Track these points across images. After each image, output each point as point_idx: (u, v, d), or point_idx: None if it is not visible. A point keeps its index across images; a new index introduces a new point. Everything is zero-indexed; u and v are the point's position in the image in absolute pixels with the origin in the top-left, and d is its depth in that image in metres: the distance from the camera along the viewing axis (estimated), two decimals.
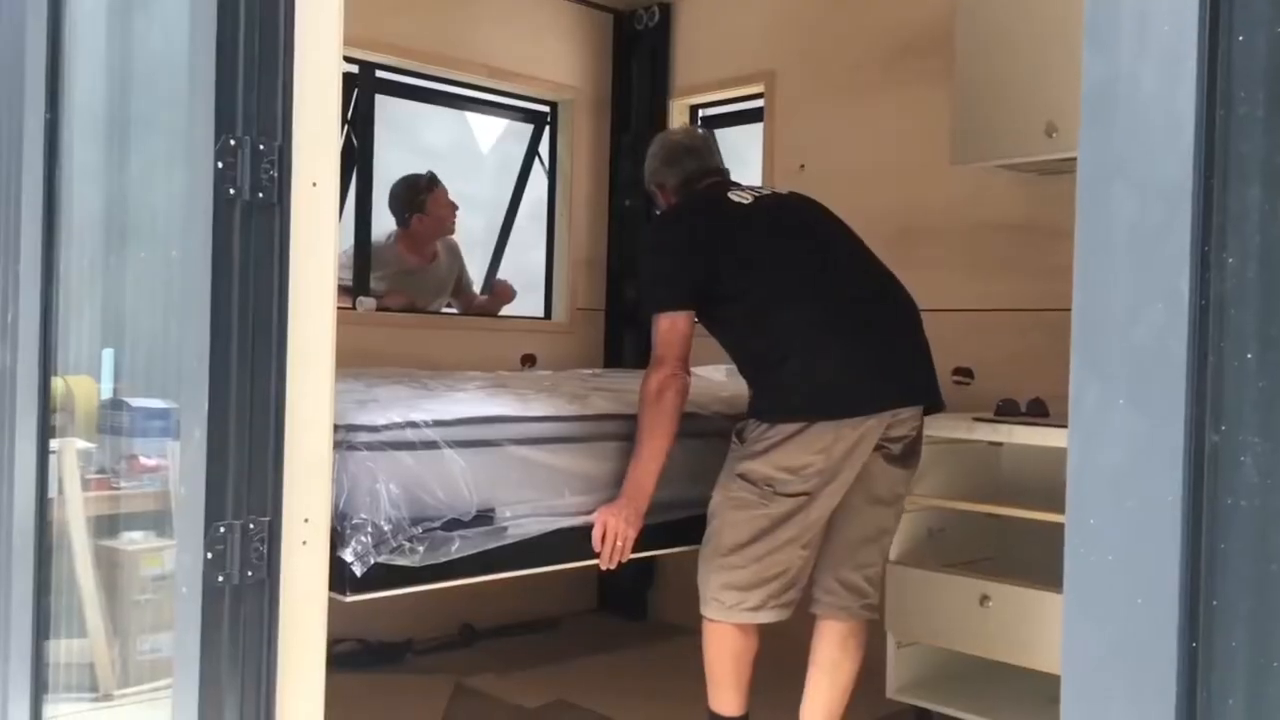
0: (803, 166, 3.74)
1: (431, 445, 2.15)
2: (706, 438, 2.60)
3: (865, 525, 2.52)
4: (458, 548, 2.09)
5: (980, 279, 3.31)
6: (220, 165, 1.73)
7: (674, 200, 2.74)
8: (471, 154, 5.60)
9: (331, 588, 1.88)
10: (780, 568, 2.41)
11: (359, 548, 1.98)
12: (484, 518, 2.18)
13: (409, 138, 5.25)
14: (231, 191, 1.73)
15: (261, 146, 1.76)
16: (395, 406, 2.20)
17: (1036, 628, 2.64)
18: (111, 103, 2.27)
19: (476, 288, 4.35)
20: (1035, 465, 2.99)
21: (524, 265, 4.66)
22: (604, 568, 2.42)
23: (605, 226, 4.39)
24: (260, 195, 1.76)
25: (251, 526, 1.76)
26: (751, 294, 2.46)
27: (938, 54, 3.39)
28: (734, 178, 2.78)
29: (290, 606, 1.80)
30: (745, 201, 2.58)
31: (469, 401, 2.34)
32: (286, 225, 1.79)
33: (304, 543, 1.83)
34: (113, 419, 2.34)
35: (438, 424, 2.17)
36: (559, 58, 4.24)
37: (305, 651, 1.83)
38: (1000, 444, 2.71)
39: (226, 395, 1.74)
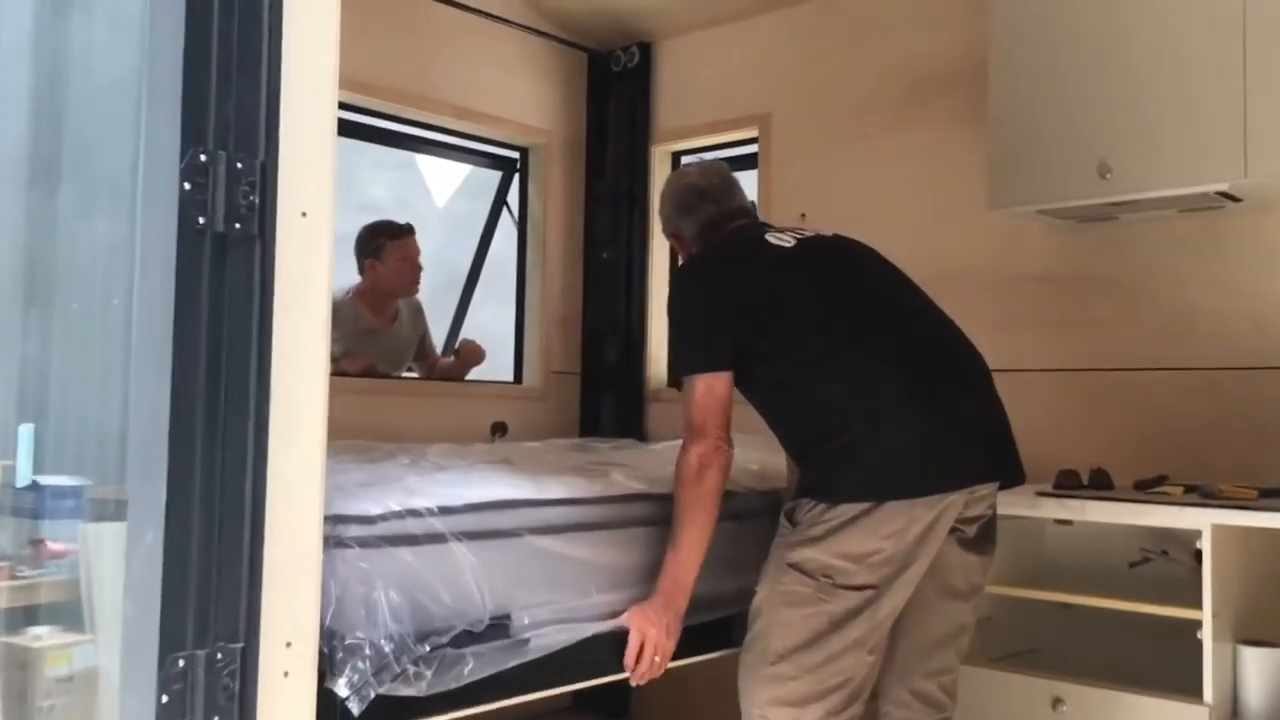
0: (804, 215, 3.42)
1: (437, 538, 1.75)
2: (742, 519, 2.24)
3: (940, 624, 2.15)
4: (472, 669, 1.67)
5: (1011, 335, 3.00)
6: (187, 187, 1.34)
7: (696, 250, 2.40)
8: (420, 211, 5.22)
9: None
10: (842, 677, 2.02)
11: (355, 677, 1.56)
12: (499, 627, 1.77)
13: (349, 193, 4.86)
14: (201, 221, 1.34)
15: (239, 165, 1.38)
16: (389, 491, 1.79)
17: None
18: (31, 121, 1.86)
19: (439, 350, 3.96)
20: (1078, 544, 2.68)
21: (475, 326, 4.27)
22: (635, 684, 2.03)
23: (580, 282, 4.03)
24: (237, 226, 1.37)
25: (219, 657, 1.35)
26: (800, 351, 2.10)
27: (957, 90, 3.12)
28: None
29: None
30: (787, 245, 2.23)
31: (474, 483, 1.95)
32: (270, 264, 1.40)
33: (286, 674, 1.41)
34: (15, 499, 1.93)
35: (444, 512, 1.77)
36: (531, 99, 3.90)
37: None
38: (1070, 522, 2.40)
39: (190, 482, 1.33)
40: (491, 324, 4.35)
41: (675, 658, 2.07)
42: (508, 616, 1.80)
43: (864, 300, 2.18)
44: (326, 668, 1.57)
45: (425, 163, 4.84)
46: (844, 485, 2.01)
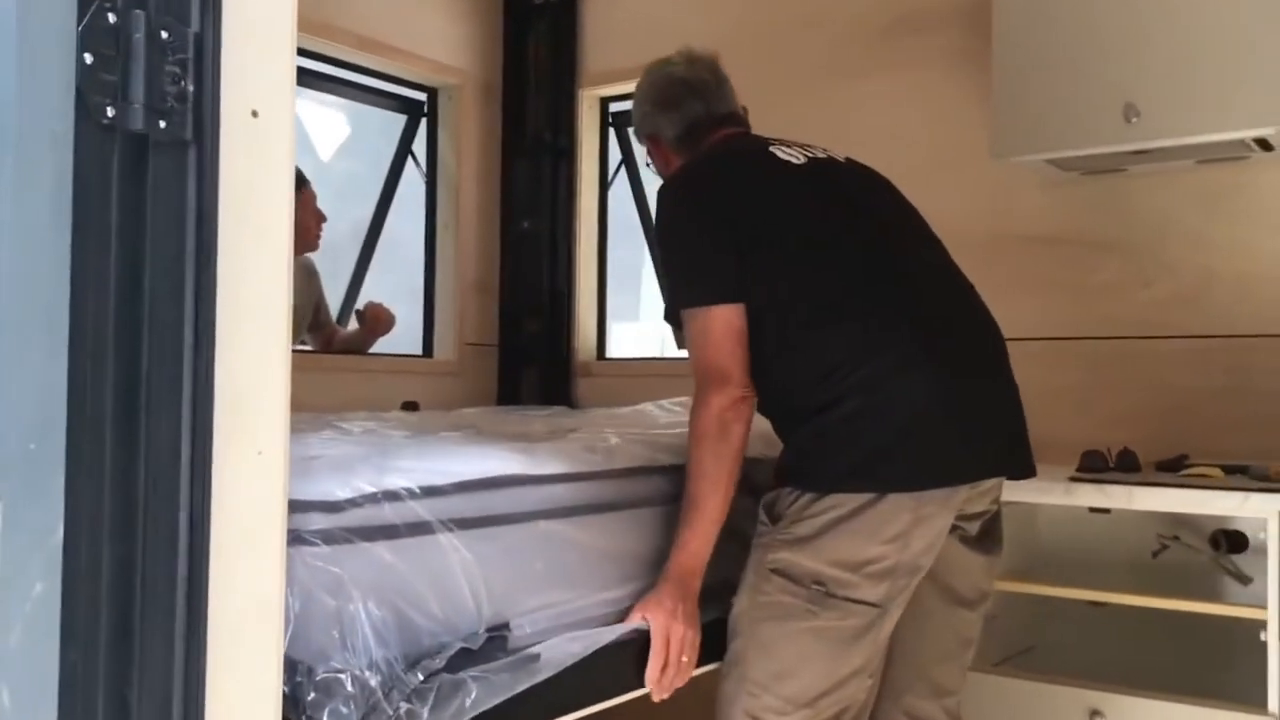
0: None
1: (421, 528, 1.32)
2: (759, 494, 1.84)
3: (944, 635, 1.81)
4: (475, 698, 1.25)
5: (1005, 300, 2.64)
6: (88, 61, 0.89)
7: (675, 158, 1.97)
8: (302, 165, 4.66)
9: None
10: (837, 707, 1.66)
11: None
12: (498, 639, 1.36)
13: None
14: (109, 113, 0.90)
15: (165, 33, 0.93)
16: (351, 465, 1.36)
17: None
18: None
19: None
20: (1071, 532, 2.42)
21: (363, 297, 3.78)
22: (658, 699, 1.62)
23: (497, 244, 3.59)
24: (162, 125, 0.92)
25: None
26: (802, 294, 1.70)
27: (944, 29, 2.81)
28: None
29: None
30: (796, 161, 1.83)
31: (455, 455, 1.52)
32: (210, 180, 0.95)
33: None
34: None
35: (428, 494, 1.34)
36: (442, 34, 3.43)
37: None
38: (1108, 510, 2.12)
39: (98, 502, 0.89)
40: (379, 296, 3.86)
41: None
42: (506, 626, 1.39)
43: (882, 243, 1.79)
44: (289, 713, 1.14)
45: (309, 113, 4.30)
46: (837, 469, 1.62)
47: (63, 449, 0.87)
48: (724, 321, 1.69)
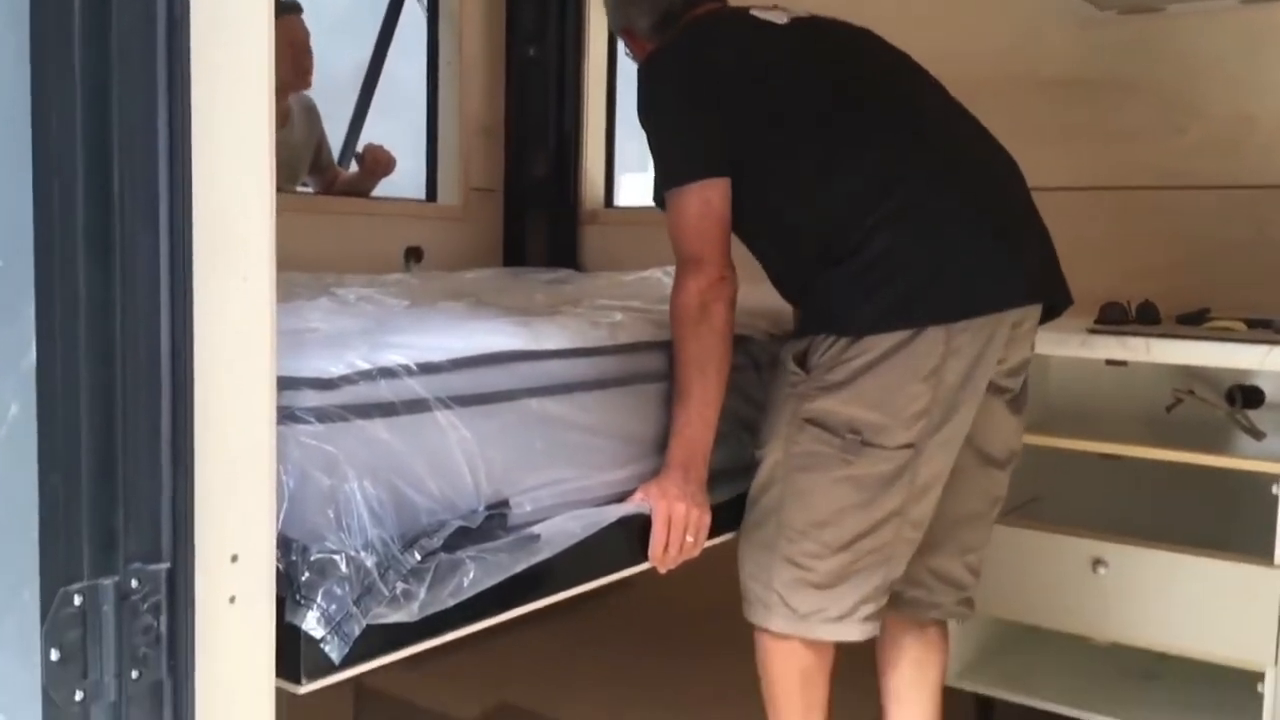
0: None
1: (418, 405, 1.28)
2: (760, 368, 1.82)
3: (975, 496, 1.79)
4: (474, 578, 1.23)
5: (1025, 147, 2.56)
6: None
7: (650, 47, 1.87)
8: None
9: (278, 672, 1.03)
10: (879, 555, 1.66)
11: (332, 608, 1.10)
12: (497, 517, 1.33)
13: None
14: None
15: None
16: (346, 341, 1.31)
17: (1155, 598, 2.04)
18: None
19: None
20: (1083, 386, 2.38)
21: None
22: (663, 571, 1.63)
23: (503, 84, 3.47)
24: None
25: (135, 585, 0.89)
26: (806, 146, 1.66)
27: None
28: None
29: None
30: (779, 22, 1.76)
31: (453, 329, 1.46)
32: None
33: (232, 600, 0.97)
34: None
35: (425, 370, 1.30)
36: None
37: None
38: (1124, 363, 2.07)
39: (72, 330, 0.84)
40: (381, 141, 3.75)
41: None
42: (505, 504, 1.36)
43: (888, 85, 1.75)
44: (285, 593, 1.12)
45: None
46: (873, 310, 1.58)
47: (31, 268, 0.81)
48: (701, 201, 1.64)
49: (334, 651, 1.11)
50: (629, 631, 2.93)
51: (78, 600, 0.85)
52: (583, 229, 3.43)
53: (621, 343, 1.63)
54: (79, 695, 0.86)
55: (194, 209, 0.89)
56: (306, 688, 1.13)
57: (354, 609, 1.11)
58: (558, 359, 1.49)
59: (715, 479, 1.67)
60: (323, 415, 1.18)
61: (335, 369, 1.23)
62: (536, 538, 1.33)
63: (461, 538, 1.26)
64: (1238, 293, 2.33)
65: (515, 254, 3.45)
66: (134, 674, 0.89)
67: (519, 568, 1.30)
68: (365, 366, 1.25)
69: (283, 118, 3.06)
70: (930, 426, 1.62)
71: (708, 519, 1.63)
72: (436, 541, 1.22)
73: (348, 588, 1.12)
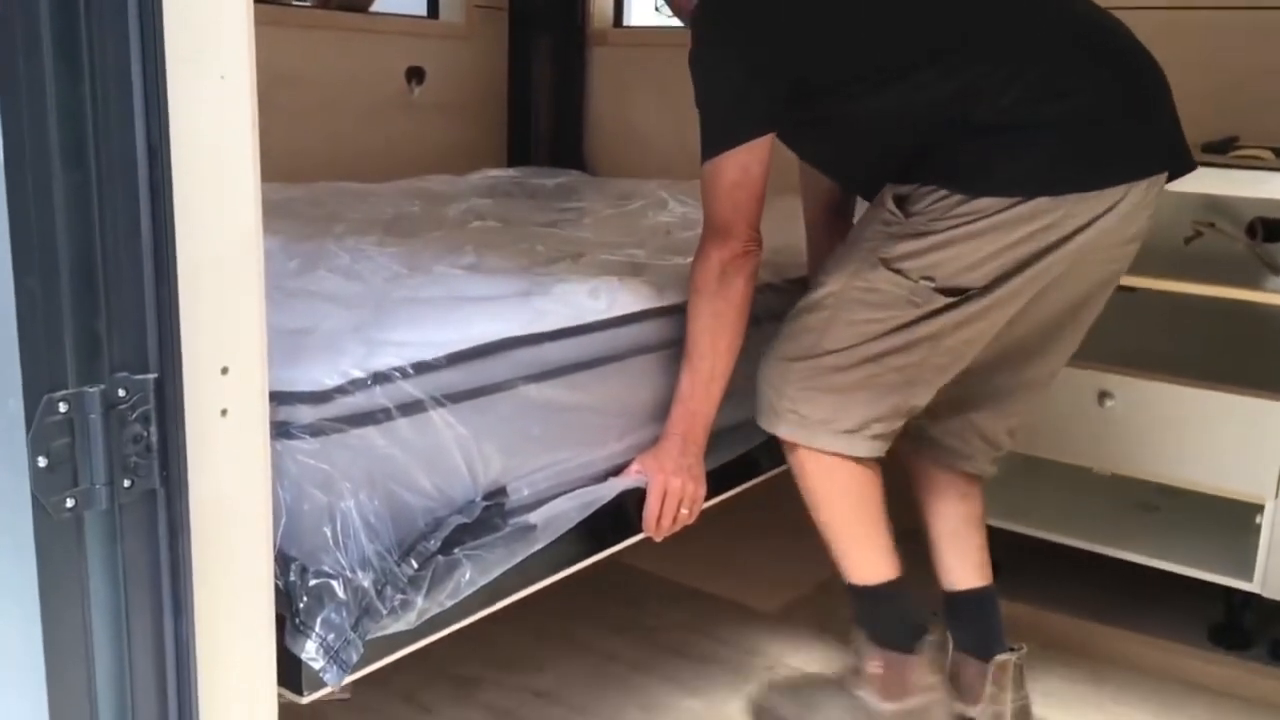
0: None
1: (413, 408, 1.26)
2: (761, 323, 1.72)
3: (1051, 358, 1.75)
4: (471, 576, 1.24)
5: None
6: None
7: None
8: None
9: (280, 681, 1.03)
10: (903, 375, 1.61)
11: (330, 637, 1.10)
12: (495, 507, 1.32)
13: None
14: None
15: None
16: (339, 340, 1.28)
17: (1160, 430, 2.03)
18: None
19: None
20: None
21: None
22: (658, 540, 1.63)
23: None
24: None
25: (122, 394, 0.87)
26: (908, 46, 1.57)
27: None
28: None
29: (208, 536, 0.94)
30: None
31: (453, 317, 1.43)
32: None
33: (224, 413, 0.95)
34: None
35: (420, 370, 1.27)
36: None
37: (238, 613, 0.99)
38: None
39: (40, 118, 0.80)
40: None
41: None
42: (503, 491, 1.35)
43: None
44: (285, 612, 1.12)
45: None
46: (1002, 174, 1.51)
47: None
48: (739, 169, 1.56)
49: (332, 679, 1.12)
50: None
51: (63, 407, 0.83)
52: (591, 50, 3.31)
53: (619, 314, 1.58)
54: (70, 503, 0.85)
55: (164, 7, 0.83)
56: (308, 698, 1.16)
57: (352, 635, 1.12)
58: (556, 340, 1.46)
59: (713, 444, 1.65)
60: (317, 430, 1.17)
61: (330, 379, 1.20)
62: (533, 527, 1.32)
63: (459, 534, 1.26)
64: (1266, 120, 2.25)
65: (521, 78, 3.34)
66: (126, 483, 0.88)
67: (516, 560, 1.30)
68: (359, 375, 1.22)
69: None
70: (1005, 282, 1.56)
71: (703, 491, 1.62)
72: (434, 544, 1.22)
73: (345, 614, 1.12)
